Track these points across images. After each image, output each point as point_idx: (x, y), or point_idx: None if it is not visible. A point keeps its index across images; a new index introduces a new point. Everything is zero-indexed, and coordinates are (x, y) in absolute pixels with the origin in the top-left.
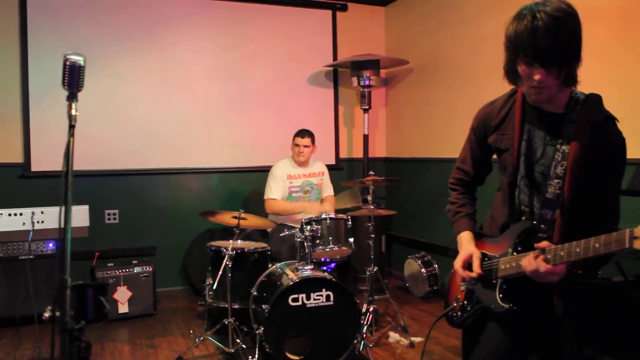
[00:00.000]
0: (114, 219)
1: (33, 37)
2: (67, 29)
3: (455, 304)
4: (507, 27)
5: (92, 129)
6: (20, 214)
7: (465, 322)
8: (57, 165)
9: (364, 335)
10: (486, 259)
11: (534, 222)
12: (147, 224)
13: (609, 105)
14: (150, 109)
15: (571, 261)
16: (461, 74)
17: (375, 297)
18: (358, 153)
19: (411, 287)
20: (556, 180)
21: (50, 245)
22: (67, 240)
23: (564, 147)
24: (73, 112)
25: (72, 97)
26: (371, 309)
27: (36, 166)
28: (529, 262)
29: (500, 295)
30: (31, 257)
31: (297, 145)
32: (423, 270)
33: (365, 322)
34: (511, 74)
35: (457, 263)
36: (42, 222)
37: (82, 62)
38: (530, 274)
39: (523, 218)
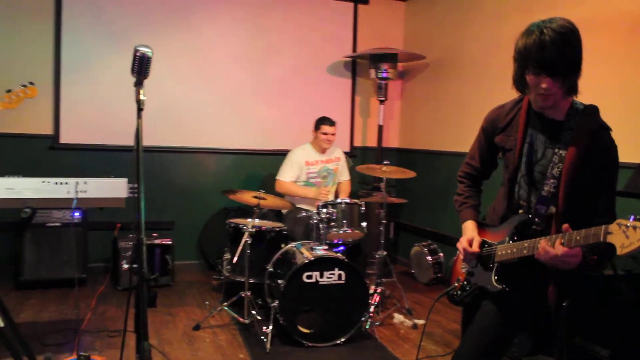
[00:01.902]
0: (135, 193)
1: (67, 12)
2: (101, 4)
3: (456, 284)
4: (516, 42)
5: (116, 105)
6: (66, 183)
7: (465, 300)
8: (84, 138)
9: (371, 314)
10: (486, 245)
11: (530, 216)
12: (166, 200)
13: (611, 110)
14: (173, 88)
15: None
16: (475, 72)
17: (383, 280)
18: (372, 142)
19: (416, 273)
20: (552, 180)
21: (76, 214)
22: (141, 208)
23: (561, 151)
24: (141, 97)
25: (139, 84)
26: (379, 290)
27: (64, 138)
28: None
29: (496, 277)
30: (58, 224)
31: (325, 133)
32: (429, 257)
33: (372, 302)
34: (520, 83)
35: (461, 244)
36: (85, 191)
37: (150, 54)
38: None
39: (520, 211)
